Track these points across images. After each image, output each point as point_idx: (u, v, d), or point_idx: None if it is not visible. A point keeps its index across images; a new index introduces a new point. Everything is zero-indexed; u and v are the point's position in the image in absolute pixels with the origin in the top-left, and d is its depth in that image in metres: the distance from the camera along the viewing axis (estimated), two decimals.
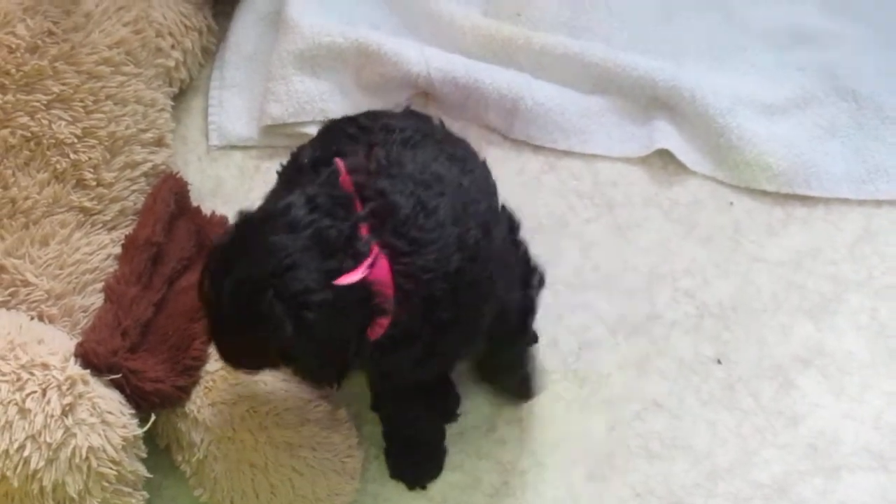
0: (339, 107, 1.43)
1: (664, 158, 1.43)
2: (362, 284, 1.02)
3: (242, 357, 1.12)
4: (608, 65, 1.43)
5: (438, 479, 1.28)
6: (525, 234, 1.34)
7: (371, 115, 1.19)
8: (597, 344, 1.34)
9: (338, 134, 1.17)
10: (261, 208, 1.09)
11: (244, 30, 1.52)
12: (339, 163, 1.09)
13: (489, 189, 1.18)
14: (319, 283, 1.01)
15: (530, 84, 1.43)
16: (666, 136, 1.41)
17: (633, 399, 1.31)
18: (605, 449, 1.28)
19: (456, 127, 1.39)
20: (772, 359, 1.31)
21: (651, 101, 1.44)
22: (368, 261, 1.03)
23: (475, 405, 1.31)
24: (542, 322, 1.30)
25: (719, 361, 1.31)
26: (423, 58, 1.41)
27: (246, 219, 1.08)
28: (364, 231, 1.05)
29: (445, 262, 1.06)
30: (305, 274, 1.01)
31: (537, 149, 1.45)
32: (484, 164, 1.20)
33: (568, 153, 1.44)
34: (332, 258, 1.02)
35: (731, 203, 1.41)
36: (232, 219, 1.23)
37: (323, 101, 1.43)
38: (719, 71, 1.47)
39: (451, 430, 1.29)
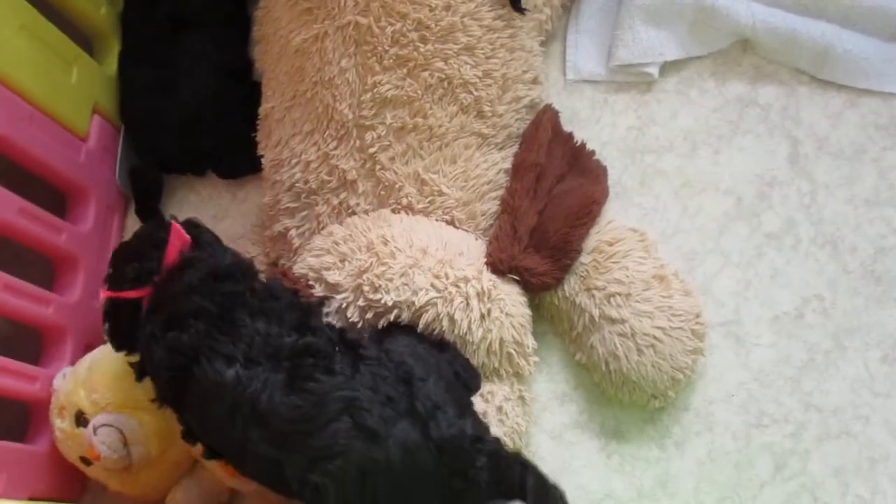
0: (674, 52, 1.53)
1: None
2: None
3: None
4: None
5: (755, 353, 1.40)
6: (827, 158, 1.46)
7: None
8: (890, 251, 1.43)
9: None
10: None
11: None
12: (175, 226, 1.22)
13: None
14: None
15: (839, 34, 1.48)
16: None
17: None
18: None
19: (769, 69, 1.52)
20: None
21: None
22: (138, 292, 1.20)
23: (788, 295, 1.43)
24: (843, 230, 1.44)
25: None
26: (750, 11, 1.48)
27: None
28: (145, 293, 1.20)
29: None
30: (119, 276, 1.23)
31: (840, 87, 1.50)
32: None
33: (867, 91, 1.49)
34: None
35: None
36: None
37: (662, 46, 1.53)
38: None
39: (766, 314, 1.42)
